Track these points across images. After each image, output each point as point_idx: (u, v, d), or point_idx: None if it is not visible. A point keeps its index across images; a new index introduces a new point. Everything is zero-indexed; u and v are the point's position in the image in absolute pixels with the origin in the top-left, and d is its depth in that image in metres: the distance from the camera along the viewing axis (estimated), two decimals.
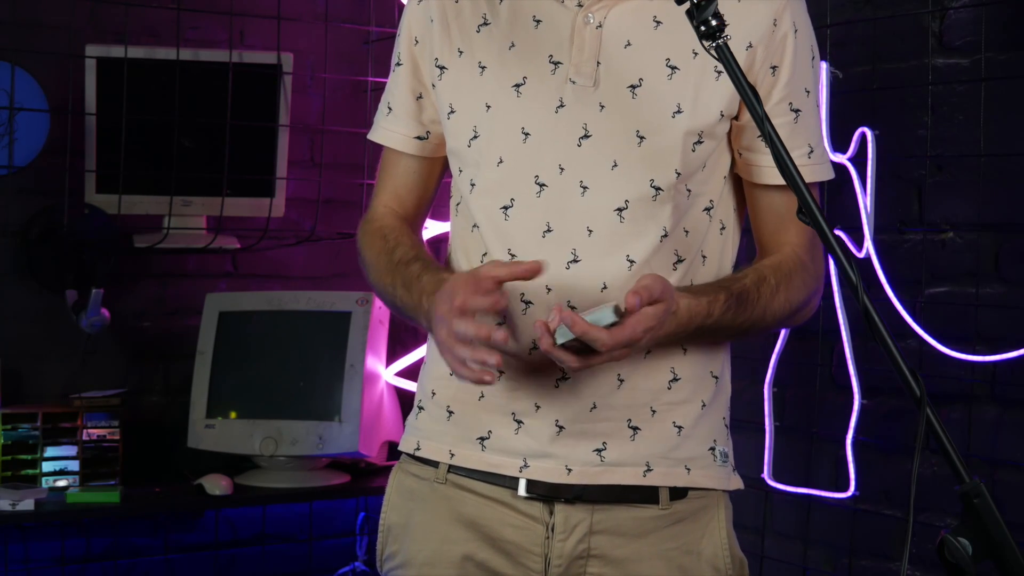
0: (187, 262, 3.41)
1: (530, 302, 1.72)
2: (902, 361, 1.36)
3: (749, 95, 1.47)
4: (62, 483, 3.00)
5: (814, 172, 1.78)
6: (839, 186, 2.62)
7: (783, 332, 2.79)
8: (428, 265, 1.78)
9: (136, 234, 3.21)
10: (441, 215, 2.91)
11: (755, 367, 2.83)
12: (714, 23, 1.47)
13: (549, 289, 1.71)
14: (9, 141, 3.12)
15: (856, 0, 2.80)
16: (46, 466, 3.00)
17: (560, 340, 1.56)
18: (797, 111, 1.75)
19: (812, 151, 1.77)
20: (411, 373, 3.19)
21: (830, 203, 2.65)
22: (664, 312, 1.59)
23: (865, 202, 2.62)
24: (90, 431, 3.04)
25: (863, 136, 2.62)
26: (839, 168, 2.62)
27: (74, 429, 3.03)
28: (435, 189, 1.94)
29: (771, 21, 1.72)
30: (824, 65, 2.67)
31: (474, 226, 1.78)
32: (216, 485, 3.07)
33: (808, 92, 1.77)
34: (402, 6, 1.90)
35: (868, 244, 2.60)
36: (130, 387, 3.27)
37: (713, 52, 1.48)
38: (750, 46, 1.71)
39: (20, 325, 3.19)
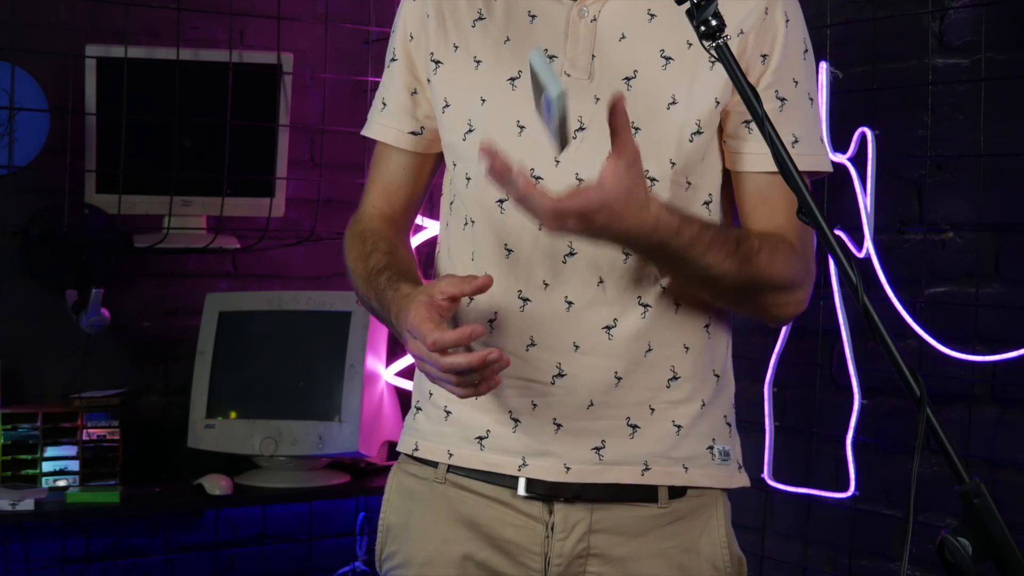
0: (187, 262, 3.41)
1: (528, 299, 1.72)
2: (902, 361, 1.36)
3: (749, 95, 1.47)
4: (62, 483, 3.00)
5: (800, 162, 1.75)
6: (839, 186, 2.62)
7: (783, 332, 2.78)
8: (393, 277, 1.75)
9: (136, 234, 3.20)
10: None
11: (755, 367, 2.83)
12: (714, 23, 1.48)
13: (547, 284, 1.71)
14: (9, 141, 3.12)
15: (856, 0, 2.80)
16: (46, 466, 3.00)
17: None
18: (783, 99, 1.74)
19: (797, 141, 1.74)
20: (411, 373, 3.16)
21: (830, 203, 2.65)
22: (626, 193, 1.52)
23: (865, 202, 2.62)
24: (90, 431, 3.04)
25: (863, 136, 2.62)
26: (839, 168, 2.62)
27: (74, 429, 3.03)
28: (425, 188, 1.93)
29: (763, 10, 1.73)
30: (824, 65, 2.67)
31: (467, 223, 1.78)
32: (216, 485, 3.06)
33: (797, 82, 1.75)
34: None
35: (868, 244, 2.60)
36: (130, 387, 3.26)
37: (713, 52, 1.48)
38: (741, 33, 1.72)
39: (20, 325, 3.19)
